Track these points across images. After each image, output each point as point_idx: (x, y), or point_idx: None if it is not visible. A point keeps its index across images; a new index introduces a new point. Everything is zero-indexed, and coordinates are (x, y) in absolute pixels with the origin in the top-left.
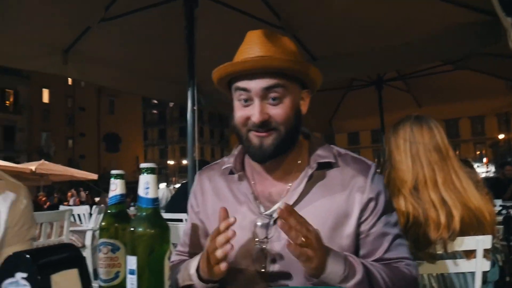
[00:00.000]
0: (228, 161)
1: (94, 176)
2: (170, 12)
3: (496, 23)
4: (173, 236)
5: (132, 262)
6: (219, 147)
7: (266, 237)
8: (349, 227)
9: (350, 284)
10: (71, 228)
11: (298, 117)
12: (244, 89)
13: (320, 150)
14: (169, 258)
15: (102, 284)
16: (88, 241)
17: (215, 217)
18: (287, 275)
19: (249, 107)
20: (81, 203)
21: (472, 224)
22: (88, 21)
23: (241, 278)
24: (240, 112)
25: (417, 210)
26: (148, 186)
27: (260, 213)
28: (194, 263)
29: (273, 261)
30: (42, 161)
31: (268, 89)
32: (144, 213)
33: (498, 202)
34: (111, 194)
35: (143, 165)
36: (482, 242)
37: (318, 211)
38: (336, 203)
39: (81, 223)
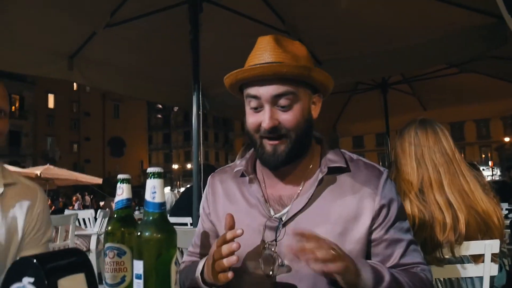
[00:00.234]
0: (240, 164)
1: (99, 181)
2: (175, 17)
3: (502, 26)
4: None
5: (139, 266)
6: (224, 151)
7: (275, 240)
8: (358, 232)
9: None
10: (76, 232)
11: (309, 122)
12: (254, 96)
13: (331, 154)
14: (176, 263)
15: None
16: (93, 245)
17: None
18: (294, 279)
19: (260, 113)
20: (85, 207)
21: (480, 228)
22: (93, 26)
23: (247, 280)
24: (251, 118)
25: (423, 212)
26: (155, 191)
27: (269, 216)
28: (199, 266)
29: (281, 264)
30: (48, 165)
31: (278, 96)
32: (151, 218)
33: (505, 205)
34: (118, 198)
35: (150, 169)
36: (490, 246)
37: (327, 215)
38: (346, 207)
39: (86, 227)
